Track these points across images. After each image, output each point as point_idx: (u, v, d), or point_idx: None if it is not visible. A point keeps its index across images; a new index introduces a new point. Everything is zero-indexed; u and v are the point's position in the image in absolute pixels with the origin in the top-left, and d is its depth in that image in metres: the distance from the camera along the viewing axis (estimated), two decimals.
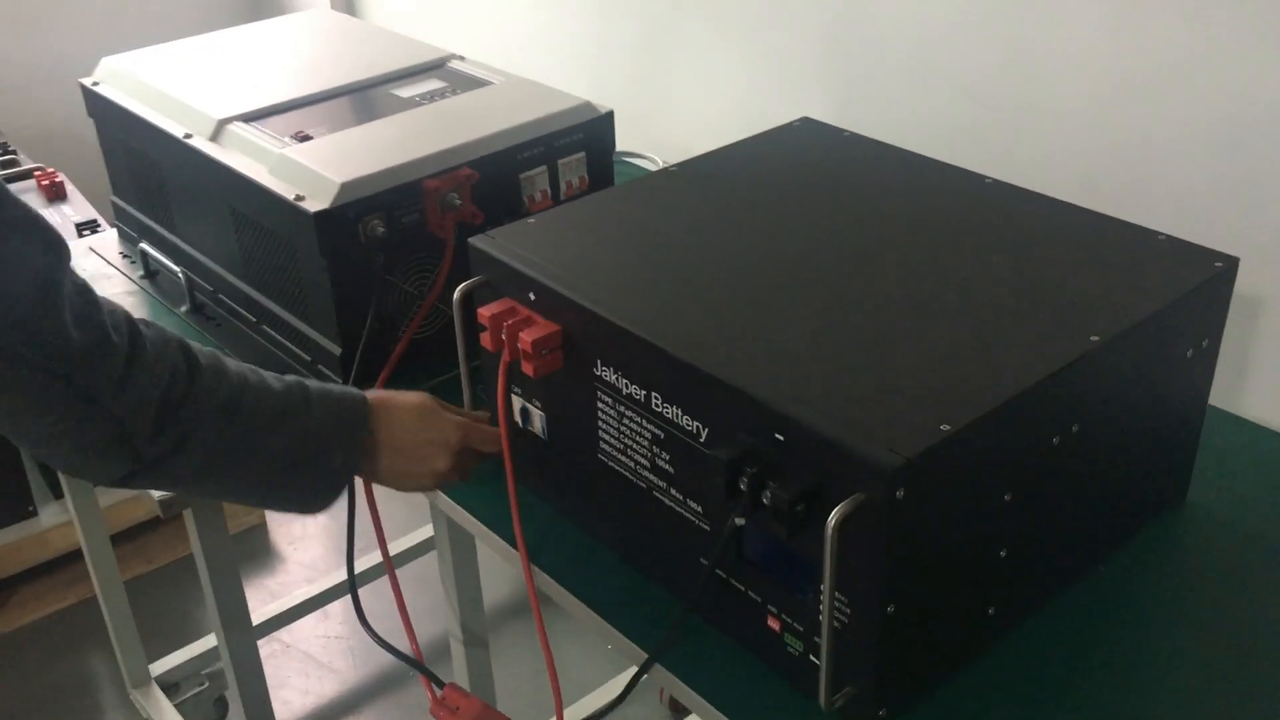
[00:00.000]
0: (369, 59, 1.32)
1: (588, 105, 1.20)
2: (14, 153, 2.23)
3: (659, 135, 1.92)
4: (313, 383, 0.91)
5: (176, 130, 1.20)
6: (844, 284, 0.85)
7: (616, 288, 0.85)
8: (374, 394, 0.95)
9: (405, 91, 1.25)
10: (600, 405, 0.85)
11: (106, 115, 1.32)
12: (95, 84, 1.33)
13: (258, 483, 0.89)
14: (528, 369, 0.87)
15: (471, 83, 1.26)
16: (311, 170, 1.07)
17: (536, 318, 0.87)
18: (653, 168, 1.57)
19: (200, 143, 1.17)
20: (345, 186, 1.04)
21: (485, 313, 0.89)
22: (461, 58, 1.35)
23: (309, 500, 0.92)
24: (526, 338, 0.86)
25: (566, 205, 0.98)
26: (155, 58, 1.35)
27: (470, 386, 0.99)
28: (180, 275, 1.28)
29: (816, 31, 1.44)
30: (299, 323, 1.15)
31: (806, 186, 0.99)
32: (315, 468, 0.90)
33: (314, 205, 1.04)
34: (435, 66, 1.31)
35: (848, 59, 1.41)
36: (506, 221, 0.95)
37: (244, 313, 1.23)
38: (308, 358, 1.15)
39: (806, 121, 1.12)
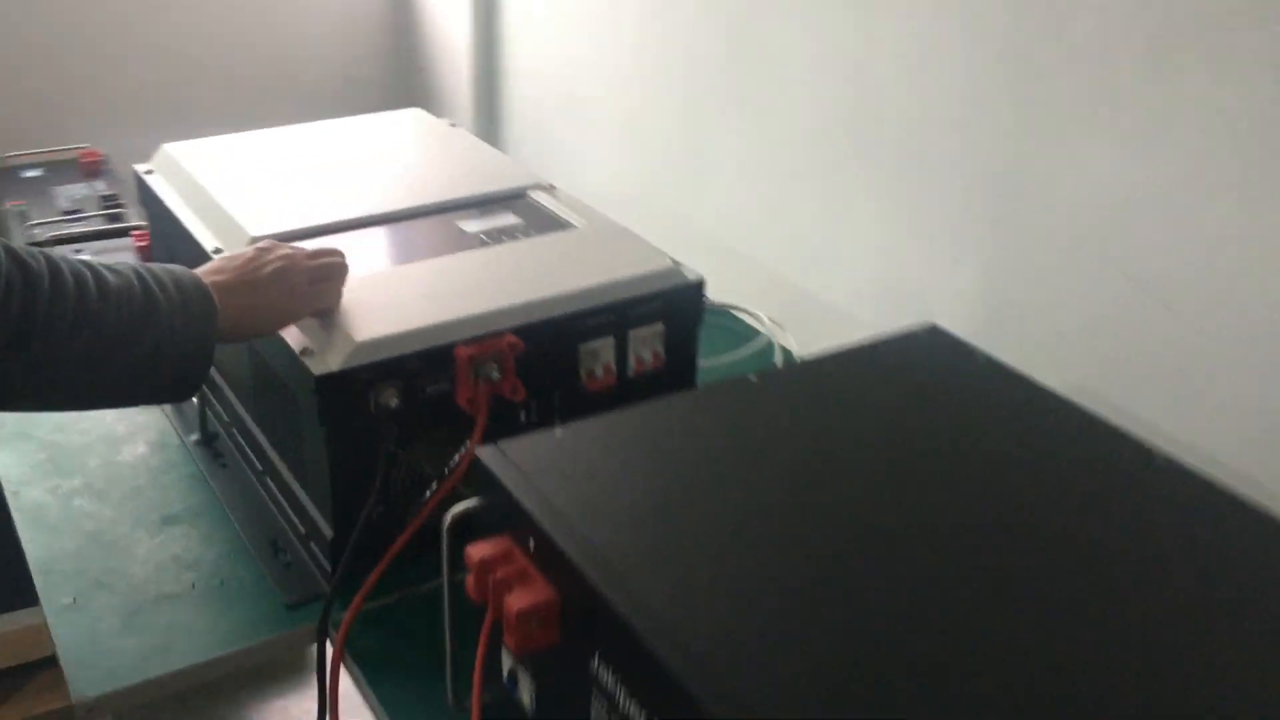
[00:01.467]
0: (445, 178, 1.16)
1: (674, 270, 1.00)
2: (123, 205, 2.16)
3: (770, 285, 1.72)
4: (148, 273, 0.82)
5: (208, 242, 1.05)
6: (951, 597, 0.62)
7: (642, 554, 0.64)
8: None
9: (471, 225, 1.08)
10: (595, 708, 0.65)
11: (153, 207, 1.19)
12: (148, 172, 1.20)
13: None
14: (510, 641, 0.67)
15: (549, 222, 1.09)
16: (330, 324, 0.90)
17: (533, 573, 0.67)
18: (753, 324, 1.37)
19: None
20: (361, 347, 0.87)
21: (474, 553, 0.69)
22: (551, 187, 1.18)
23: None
24: (513, 603, 0.66)
25: (609, 419, 0.79)
26: (214, 150, 1.21)
27: (453, 663, 0.81)
28: (195, 398, 1.13)
29: (964, 196, 1.23)
30: (298, 488, 0.97)
31: (918, 440, 0.77)
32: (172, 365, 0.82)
33: (319, 365, 0.86)
34: (516, 196, 1.14)
35: (996, 225, 1.19)
36: (557, 398, 0.77)
37: (253, 458, 1.07)
38: (302, 530, 0.98)
39: (934, 334, 0.91)
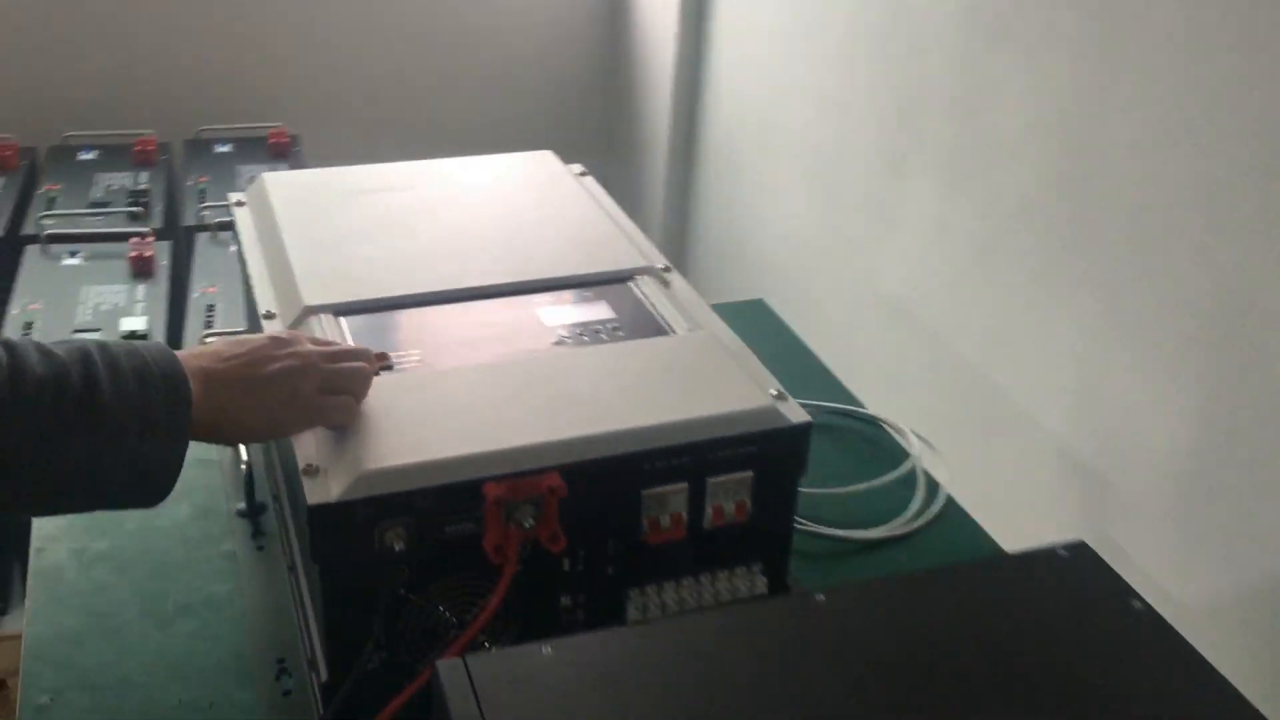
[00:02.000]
0: (546, 248, 1.00)
1: (771, 410, 0.82)
2: None
3: (939, 370, 1.51)
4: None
5: (262, 301, 0.93)
6: None
7: None
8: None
9: (554, 315, 0.92)
10: None
11: (238, 243, 1.09)
12: (239, 203, 1.11)
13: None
14: None
15: (645, 322, 0.92)
16: (340, 437, 0.77)
17: None
18: (899, 439, 1.17)
19: (272, 330, 0.90)
20: (365, 478, 0.73)
21: None
22: (667, 269, 1.01)
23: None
24: None
25: (616, 637, 0.63)
26: (309, 187, 1.10)
27: None
28: (244, 465, 1.03)
29: (1200, 301, 1.00)
30: (300, 615, 0.85)
31: None
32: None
33: (317, 491, 0.73)
34: (619, 280, 0.98)
35: (1229, 341, 0.96)
36: (611, 546, 0.66)
37: (285, 547, 0.95)
38: (308, 655, 0.85)
39: (1079, 556, 0.70)
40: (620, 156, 2.88)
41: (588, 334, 0.90)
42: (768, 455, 0.83)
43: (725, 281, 2.45)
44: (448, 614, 0.80)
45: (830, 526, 1.03)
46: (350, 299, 0.92)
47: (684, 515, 0.82)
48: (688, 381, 0.84)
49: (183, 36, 2.46)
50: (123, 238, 1.91)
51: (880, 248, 1.87)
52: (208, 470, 1.07)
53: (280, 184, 1.10)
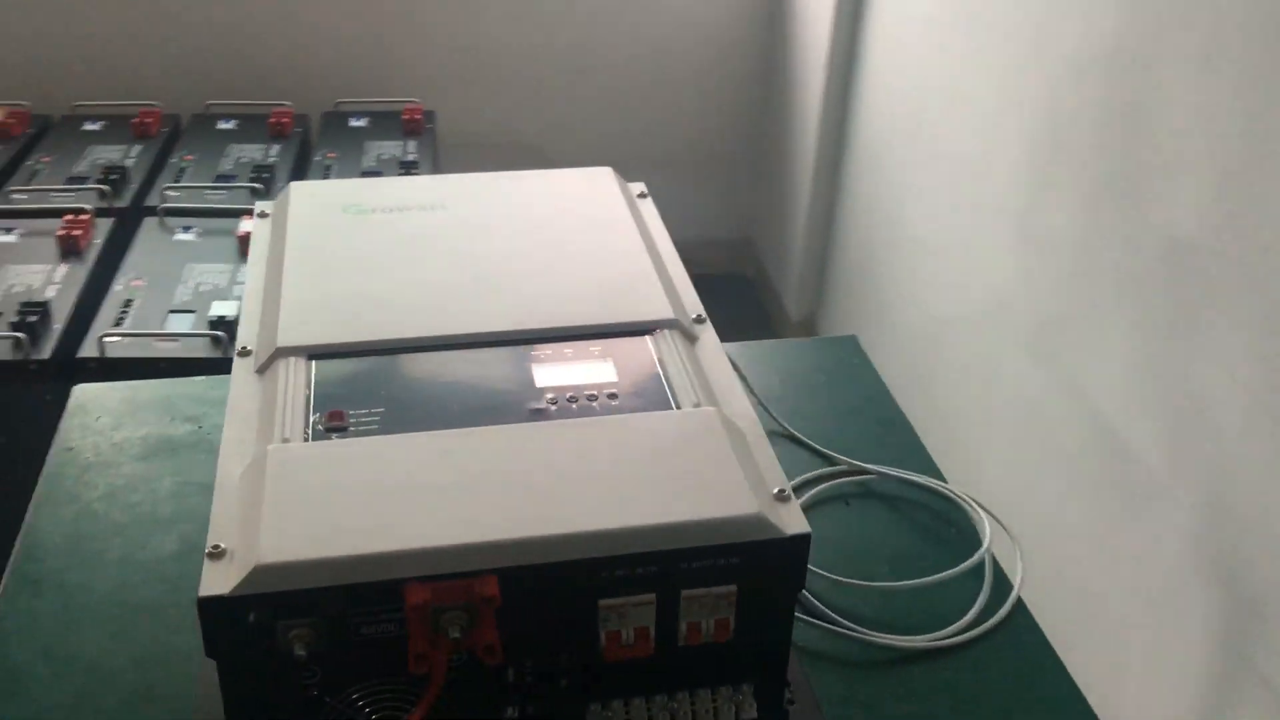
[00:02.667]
0: (565, 290, 0.90)
1: (758, 520, 0.69)
2: (416, 172, 2.06)
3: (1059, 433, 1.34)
4: None
5: (243, 335, 0.86)
6: None
7: None
8: None
9: (549, 374, 0.81)
10: None
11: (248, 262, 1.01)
12: (263, 214, 1.04)
13: None
14: None
15: (648, 390, 0.80)
16: (252, 516, 0.68)
17: None
18: (971, 517, 1.01)
19: (240, 371, 0.82)
20: (262, 572, 0.64)
21: None
22: (700, 320, 0.89)
23: None
24: None
25: None
26: (334, 199, 1.01)
27: None
28: None
29: None
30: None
31: None
32: None
33: (210, 580, 0.65)
34: (637, 333, 0.86)
35: None
36: (565, 659, 0.63)
37: None
38: None
39: None
40: (768, 157, 2.74)
41: (579, 401, 0.79)
42: (755, 569, 0.70)
43: (862, 289, 2.29)
44: (374, 717, 0.71)
45: (869, 629, 0.89)
46: (329, 341, 0.83)
47: (651, 631, 0.71)
48: (671, 474, 0.72)
49: (328, 6, 2.44)
50: (237, 214, 1.90)
51: (1015, 269, 1.68)
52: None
53: (305, 196, 1.02)
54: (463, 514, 0.68)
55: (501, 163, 2.74)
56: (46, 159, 2.07)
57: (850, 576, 0.93)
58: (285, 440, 0.74)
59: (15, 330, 1.55)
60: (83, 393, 1.13)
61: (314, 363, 0.82)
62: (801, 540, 0.70)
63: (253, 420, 0.77)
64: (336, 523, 0.67)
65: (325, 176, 2.07)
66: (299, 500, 0.69)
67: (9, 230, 1.82)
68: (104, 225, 1.86)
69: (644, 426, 0.76)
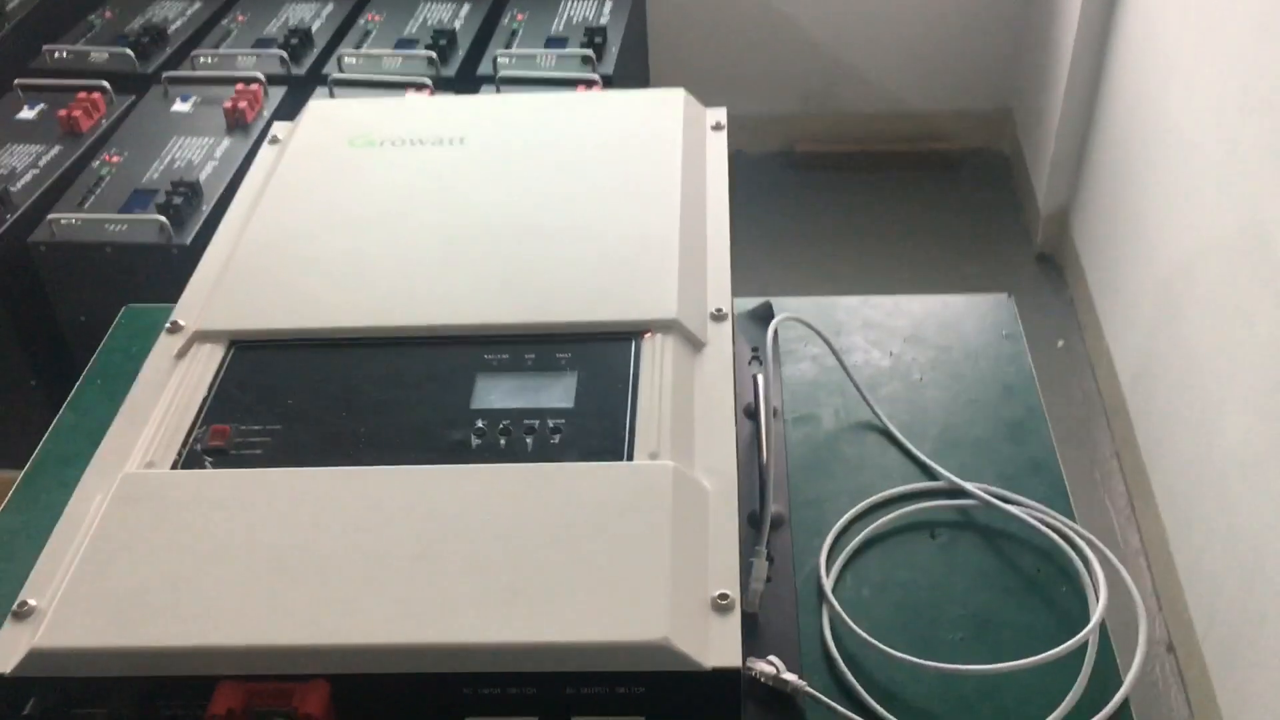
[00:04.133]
0: (558, 263, 0.72)
1: (665, 649, 0.52)
2: (599, 44, 1.87)
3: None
4: None
5: (183, 303, 0.74)
6: None
7: None
8: None
9: (494, 389, 0.65)
10: None
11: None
12: (274, 139, 0.90)
13: None
14: None
15: (602, 427, 0.62)
16: (73, 575, 0.56)
17: None
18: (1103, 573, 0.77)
19: (159, 352, 0.70)
20: (36, 655, 0.53)
21: None
22: (720, 315, 0.70)
23: None
24: None
25: None
26: (348, 124, 0.87)
27: None
28: None
29: None
30: None
31: None
32: None
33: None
34: (617, 339, 0.67)
35: None
36: None
37: None
38: None
39: None
40: (1031, 20, 2.37)
41: (512, 434, 0.62)
42: (667, 703, 0.53)
43: (1117, 189, 1.94)
44: None
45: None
46: (256, 326, 0.70)
47: None
48: (578, 563, 0.55)
49: None
50: (402, 86, 1.79)
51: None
52: None
53: (318, 120, 0.88)
54: (304, 602, 0.54)
55: (715, 35, 2.52)
56: (241, 18, 2.03)
57: (907, 644, 0.73)
58: (149, 464, 0.62)
59: (161, 213, 1.52)
60: None
61: (232, 353, 0.69)
62: (726, 676, 0.52)
63: (141, 422, 0.65)
64: (146, 599, 0.55)
65: (509, 45, 1.92)
66: (116, 559, 0.57)
67: (185, 99, 1.79)
68: (276, 95, 1.80)
69: (572, 485, 0.59)
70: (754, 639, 0.71)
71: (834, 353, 0.90)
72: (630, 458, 0.60)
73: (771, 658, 0.70)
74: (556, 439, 0.62)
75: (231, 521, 0.58)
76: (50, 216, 1.53)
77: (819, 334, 0.89)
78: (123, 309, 1.06)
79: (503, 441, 0.62)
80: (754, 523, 0.74)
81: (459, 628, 0.52)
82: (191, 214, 1.56)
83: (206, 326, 0.70)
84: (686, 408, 0.63)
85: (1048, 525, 0.80)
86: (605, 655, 0.52)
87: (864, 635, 0.73)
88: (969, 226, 2.39)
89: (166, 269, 1.51)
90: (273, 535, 0.57)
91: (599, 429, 0.62)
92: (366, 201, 0.79)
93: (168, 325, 0.72)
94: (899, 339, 0.97)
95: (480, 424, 0.63)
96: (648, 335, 0.67)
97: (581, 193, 0.78)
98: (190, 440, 0.63)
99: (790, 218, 2.44)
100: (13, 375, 1.61)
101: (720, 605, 0.54)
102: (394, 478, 0.60)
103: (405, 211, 0.78)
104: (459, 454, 0.61)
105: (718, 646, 0.52)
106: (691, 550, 0.56)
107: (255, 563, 0.56)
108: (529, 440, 0.62)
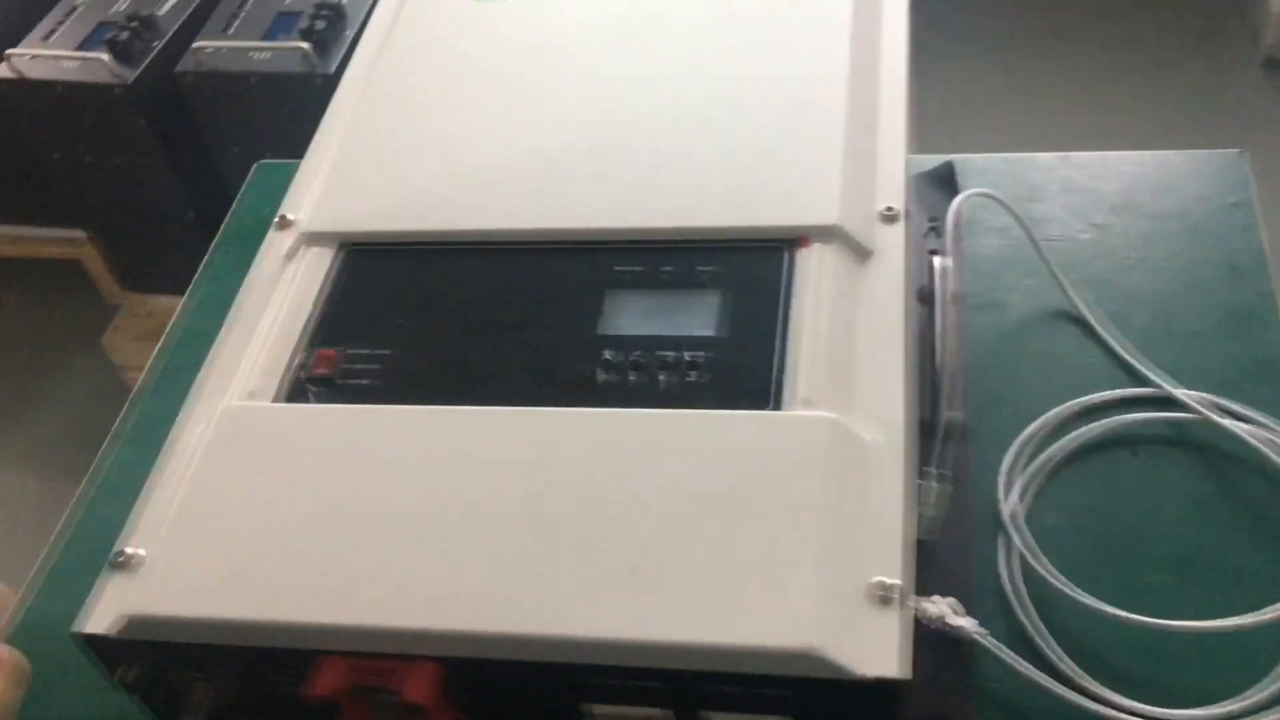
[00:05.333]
0: (707, 151, 0.62)
1: (811, 656, 0.44)
2: None
3: None
4: None
5: (293, 194, 0.67)
6: None
7: None
8: None
9: (623, 311, 0.57)
10: None
11: None
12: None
13: None
14: None
15: (746, 362, 0.53)
16: (173, 527, 0.52)
17: None
18: None
19: (269, 251, 0.64)
20: (138, 623, 0.49)
21: None
22: (891, 216, 0.59)
23: None
24: None
25: None
26: (458, 24, 0.76)
27: None
28: None
29: None
30: None
31: None
32: None
33: (93, 606, 0.51)
34: (782, 244, 0.58)
35: None
36: None
37: None
38: None
39: None
40: None
41: (643, 368, 0.54)
42: (816, 708, 0.46)
43: None
44: None
45: (1104, 684, 0.61)
46: (369, 228, 0.63)
47: None
48: (718, 547, 0.47)
49: None
50: None
51: None
52: None
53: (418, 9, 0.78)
54: (410, 576, 0.48)
55: None
56: None
57: (1103, 587, 0.64)
58: (250, 394, 0.57)
59: (304, 39, 1.45)
60: None
61: (341, 257, 0.62)
62: (885, 688, 0.45)
63: (245, 341, 0.60)
64: (248, 562, 0.50)
65: None
66: (217, 511, 0.52)
67: None
68: None
69: (708, 440, 0.51)
70: (921, 570, 0.63)
71: (1025, 229, 0.77)
72: (778, 405, 0.52)
73: (939, 597, 0.62)
74: (693, 376, 0.54)
75: (335, 470, 0.52)
76: (195, 44, 1.48)
77: (1010, 210, 0.77)
78: (254, 166, 1.00)
79: (631, 378, 0.54)
80: (926, 432, 0.65)
81: (577, 618, 0.46)
82: (335, 39, 1.49)
83: (316, 228, 0.63)
84: (848, 338, 0.54)
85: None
86: (742, 658, 0.45)
87: (1050, 575, 0.64)
88: (1182, 27, 2.12)
89: (311, 98, 1.45)
90: (377, 490, 0.51)
91: (743, 365, 0.54)
92: (494, 74, 0.70)
93: (276, 219, 0.65)
94: (1105, 207, 0.84)
95: (607, 354, 0.55)
96: (805, 244, 0.58)
97: (729, 62, 0.67)
98: (294, 366, 0.58)
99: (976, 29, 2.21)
100: (172, 208, 1.61)
101: (881, 597, 0.46)
102: (510, 421, 0.53)
103: (534, 86, 0.68)
104: (582, 393, 0.54)
105: (877, 650, 0.45)
106: (849, 528, 0.48)
107: (360, 521, 0.50)
108: (662, 377, 0.54)
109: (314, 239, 0.63)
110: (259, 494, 0.52)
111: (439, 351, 0.57)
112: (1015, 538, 0.66)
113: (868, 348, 0.54)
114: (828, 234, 0.57)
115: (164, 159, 1.54)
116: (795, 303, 0.55)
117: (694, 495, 0.49)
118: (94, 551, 0.53)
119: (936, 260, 0.72)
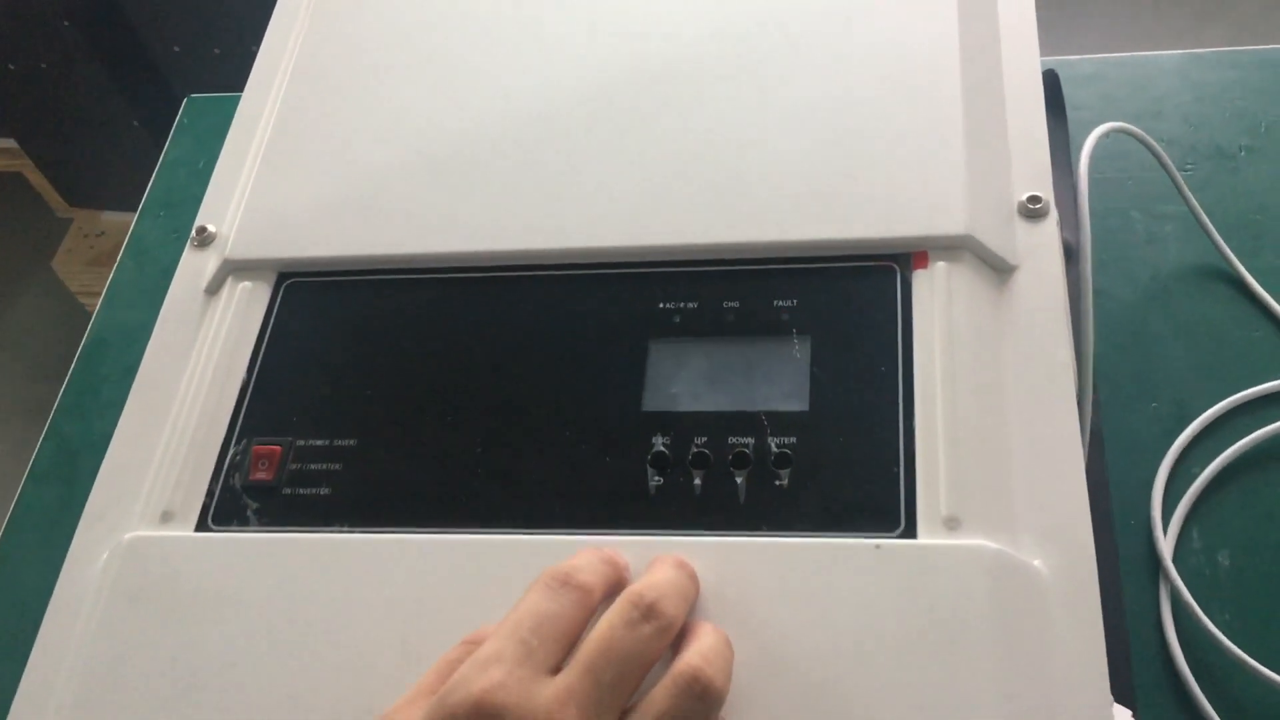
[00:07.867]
0: (784, 139, 0.45)
1: None
2: None
3: None
4: None
5: (209, 201, 0.50)
6: None
7: None
8: None
9: (673, 374, 0.41)
10: None
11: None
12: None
13: None
14: None
15: (858, 463, 0.38)
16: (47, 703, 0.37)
17: None
18: None
19: (183, 280, 0.47)
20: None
21: None
22: (1036, 208, 0.42)
23: None
24: None
25: None
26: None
27: None
28: None
29: None
30: None
31: None
32: None
33: None
34: (892, 257, 0.41)
35: None
36: None
37: None
38: None
39: None
40: None
41: (710, 468, 0.38)
42: None
43: None
44: None
45: None
46: (324, 253, 0.46)
47: None
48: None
49: None
50: None
51: None
52: None
53: None
54: None
55: None
56: None
57: (1241, 631, 0.50)
58: (165, 514, 0.41)
59: None
60: None
61: (282, 296, 0.46)
62: None
63: (163, 420, 0.44)
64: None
65: None
66: (99, 684, 0.37)
67: None
68: None
69: (809, 597, 0.35)
70: None
71: (1168, 170, 0.60)
72: (912, 528, 0.36)
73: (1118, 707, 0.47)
74: (783, 477, 0.38)
75: (289, 640, 0.37)
76: None
77: (1155, 152, 0.59)
78: (185, 100, 0.82)
79: (697, 483, 0.38)
80: None
81: None
82: None
83: (245, 253, 0.46)
84: (996, 401, 0.38)
85: None
86: None
87: (1218, 633, 0.50)
88: None
89: None
90: (353, 667, 0.36)
91: (851, 458, 0.38)
92: (478, 33, 0.52)
93: (193, 234, 0.48)
94: (1260, 126, 0.66)
95: (660, 444, 0.39)
96: (919, 264, 0.41)
97: (819, 44, 0.49)
98: (224, 469, 0.42)
99: None
100: (114, 118, 1.42)
101: None
102: (530, 555, 0.37)
103: (528, 59, 0.51)
104: (628, 510, 0.38)
105: None
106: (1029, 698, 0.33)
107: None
108: (739, 481, 0.38)
109: (243, 269, 0.46)
110: (171, 677, 0.37)
111: (425, 444, 0.41)
112: (1177, 581, 0.52)
113: (1027, 420, 0.38)
114: (954, 246, 0.41)
115: (96, 64, 1.35)
116: (918, 351, 0.39)
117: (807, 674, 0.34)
118: None
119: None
